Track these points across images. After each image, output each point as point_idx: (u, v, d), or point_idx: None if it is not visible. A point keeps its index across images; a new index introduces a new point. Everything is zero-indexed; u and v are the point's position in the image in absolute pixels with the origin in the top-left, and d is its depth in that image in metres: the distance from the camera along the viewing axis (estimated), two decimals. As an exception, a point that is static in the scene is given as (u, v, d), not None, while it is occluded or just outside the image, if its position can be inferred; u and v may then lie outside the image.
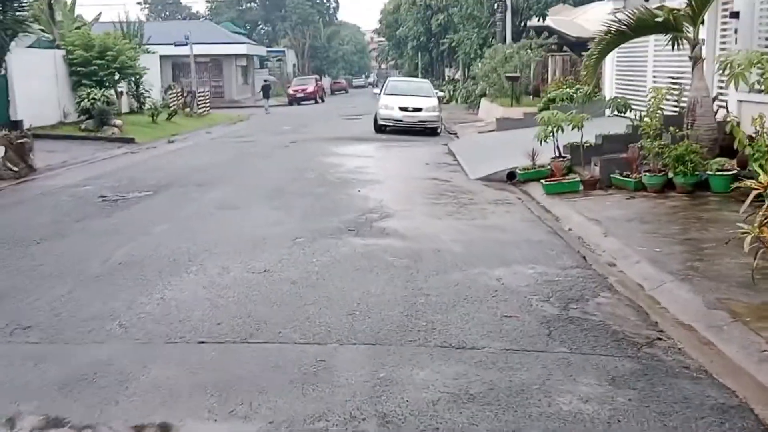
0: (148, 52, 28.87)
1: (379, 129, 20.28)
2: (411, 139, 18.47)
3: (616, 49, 16.76)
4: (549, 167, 11.38)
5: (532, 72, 26.62)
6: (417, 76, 42.96)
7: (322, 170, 12.13)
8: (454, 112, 28.51)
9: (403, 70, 57.17)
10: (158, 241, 6.73)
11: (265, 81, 39.43)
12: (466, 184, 11.09)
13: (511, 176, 11.67)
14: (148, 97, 25.20)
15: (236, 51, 44.06)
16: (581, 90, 17.64)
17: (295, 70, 61.91)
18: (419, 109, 20.02)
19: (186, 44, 32.36)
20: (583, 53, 21.44)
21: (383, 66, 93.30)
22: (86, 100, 19.47)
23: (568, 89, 17.83)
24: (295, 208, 8.55)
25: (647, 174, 9.61)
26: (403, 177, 11.66)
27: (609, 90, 17.27)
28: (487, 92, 26.88)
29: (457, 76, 44.43)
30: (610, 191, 9.89)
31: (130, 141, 18.62)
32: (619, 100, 10.59)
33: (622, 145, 11.89)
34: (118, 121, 19.77)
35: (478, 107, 28.46)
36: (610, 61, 17.19)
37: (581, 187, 10.03)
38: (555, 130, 11.26)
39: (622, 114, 11.05)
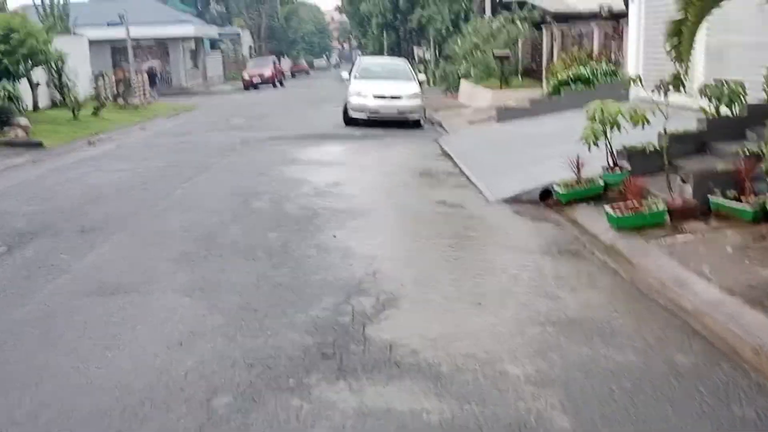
0: (73, 35, 24.77)
1: (350, 121, 16.70)
2: (391, 134, 14.93)
3: (650, 11, 13.48)
4: (602, 182, 8.04)
5: (520, 49, 23.25)
6: (382, 56, 39.19)
7: (278, 192, 8.53)
8: (429, 96, 24.89)
9: (368, 50, 53.30)
10: None
11: (149, 68, 32.21)
12: (488, 211, 7.63)
13: (545, 194, 8.28)
14: (73, 87, 21.16)
15: (184, 32, 39.64)
16: (600, 70, 14.33)
17: (252, 52, 57.53)
18: (398, 97, 16.45)
19: (120, 24, 28.07)
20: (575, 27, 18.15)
21: (346, 46, 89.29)
22: (-20, 95, 15.48)
23: (581, 68, 14.44)
24: (228, 289, 4.95)
25: (775, 198, 6.28)
26: (396, 202, 8.12)
27: (634, 66, 13.91)
28: (471, 73, 23.41)
29: (427, 56, 40.87)
30: (713, 223, 6.55)
31: (37, 146, 14.70)
32: (731, 86, 7.16)
33: (696, 146, 8.63)
34: (23, 121, 15.77)
35: (458, 90, 25.02)
36: (636, 26, 13.85)
37: (667, 218, 6.67)
38: (610, 128, 7.92)
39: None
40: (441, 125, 16.93)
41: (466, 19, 29.89)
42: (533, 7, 22.45)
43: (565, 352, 3.83)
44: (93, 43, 27.12)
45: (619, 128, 7.87)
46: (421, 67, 36.90)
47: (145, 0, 42.76)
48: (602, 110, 7.89)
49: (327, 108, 21.86)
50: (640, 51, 13.83)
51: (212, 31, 46.19)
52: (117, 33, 30.47)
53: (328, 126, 16.71)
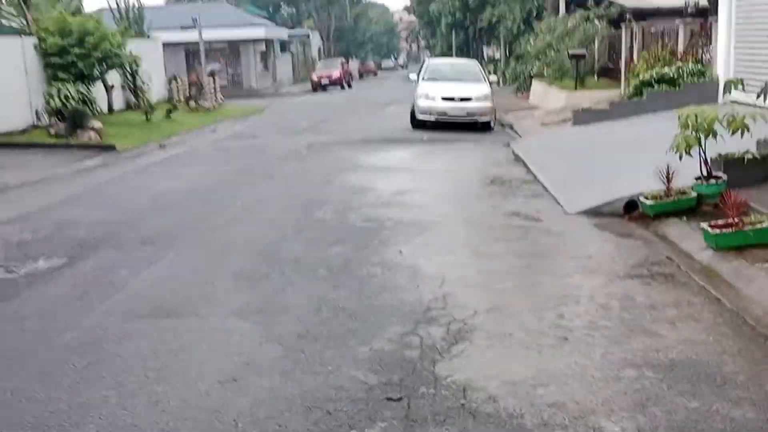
0: (147, 38, 25.25)
1: (417, 124, 16.27)
2: (459, 138, 14.42)
3: (743, 7, 12.48)
4: (694, 195, 7.35)
5: (596, 48, 22.28)
6: (451, 56, 38.54)
7: (342, 201, 8.19)
8: (499, 97, 24.17)
9: (436, 51, 52.77)
10: None
11: (210, 71, 28.84)
12: (568, 225, 7.06)
13: (630, 206, 7.63)
14: (147, 90, 21.54)
15: (254, 35, 40.11)
16: (686, 70, 13.42)
17: (321, 54, 57.89)
18: (468, 99, 15.91)
19: (194, 27, 28.50)
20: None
21: (413, 47, 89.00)
22: (56, 98, 15.80)
23: (666, 68, 13.54)
24: (287, 313, 4.60)
25: None
26: (467, 213, 7.65)
27: (724, 67, 12.96)
28: (544, 73, 22.59)
29: (497, 56, 40.03)
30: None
31: (109, 148, 14.91)
32: None
33: (803, 155, 7.80)
34: (96, 124, 16.03)
35: (529, 90, 24.21)
36: (726, 23, 12.86)
37: (774, 237, 5.95)
38: (705, 136, 7.22)
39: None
40: (512, 128, 16.31)
41: (539, 17, 28.99)
42: (611, 3, 21.46)
43: (670, 404, 3.29)
44: (167, 46, 27.62)
45: (714, 136, 7.17)
46: (491, 67, 36.17)
47: (218, 3, 43.64)
48: (696, 116, 7.21)
49: (394, 110, 21.54)
50: (731, 50, 12.86)
51: (282, 33, 46.65)
52: (190, 36, 31.00)
53: (395, 129, 16.33)
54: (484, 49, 44.05)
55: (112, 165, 13.03)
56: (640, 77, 13.81)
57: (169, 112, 20.24)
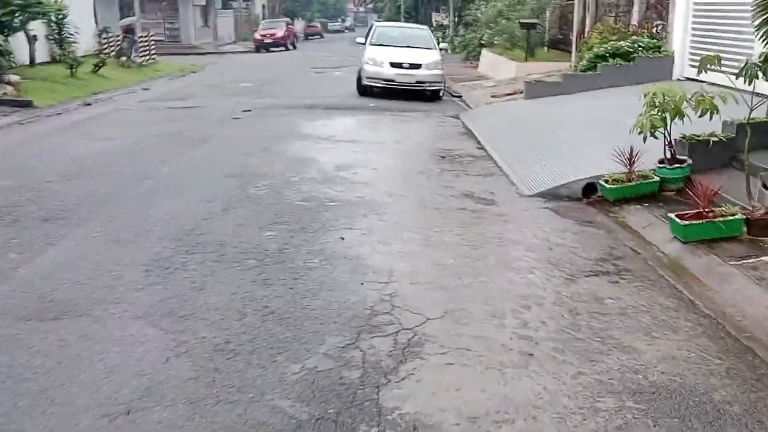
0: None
1: (364, 90, 15.46)
2: (407, 107, 13.73)
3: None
4: (656, 179, 6.92)
5: (548, 18, 21.81)
6: (399, 21, 37.45)
7: (279, 175, 7.41)
8: (448, 66, 23.47)
9: (384, 14, 51.51)
10: None
11: (127, 25, 25.20)
12: (524, 210, 6.50)
13: (588, 189, 7.14)
14: (74, 42, 19.95)
15: (194, -12, 38.08)
16: (641, 44, 12.99)
17: (265, 12, 55.75)
18: (417, 66, 15.16)
19: (128, -23, 26.65)
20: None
21: (361, 9, 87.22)
22: (-32, 47, 14.33)
23: (621, 42, 13.06)
24: (204, 315, 3.85)
25: None
26: (416, 193, 6.98)
27: (680, 42, 12.60)
28: (495, 42, 21.98)
29: (446, 22, 39.20)
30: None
31: (27, 105, 13.60)
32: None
33: (768, 139, 7.42)
34: (13, 77, 14.64)
35: (478, 60, 23.59)
36: (684, -4, 12.45)
37: (744, 230, 5.54)
38: (672, 117, 6.75)
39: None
40: (461, 99, 15.70)
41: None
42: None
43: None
44: (99, -4, 25.79)
45: (682, 117, 6.70)
46: (439, 34, 35.33)
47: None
48: (663, 95, 6.72)
49: (340, 74, 20.64)
50: (689, 25, 12.50)
51: (224, -12, 44.54)
52: (124, -14, 29.06)
53: (341, 95, 15.49)
54: (433, 14, 43.10)
55: (27, 123, 11.84)
56: (594, 50, 13.32)
57: (97, 66, 18.80)
